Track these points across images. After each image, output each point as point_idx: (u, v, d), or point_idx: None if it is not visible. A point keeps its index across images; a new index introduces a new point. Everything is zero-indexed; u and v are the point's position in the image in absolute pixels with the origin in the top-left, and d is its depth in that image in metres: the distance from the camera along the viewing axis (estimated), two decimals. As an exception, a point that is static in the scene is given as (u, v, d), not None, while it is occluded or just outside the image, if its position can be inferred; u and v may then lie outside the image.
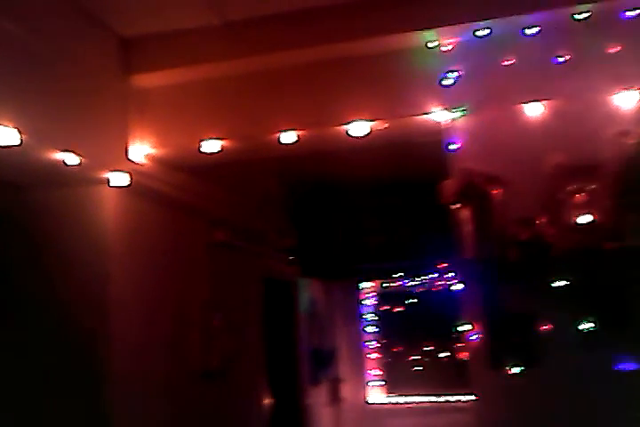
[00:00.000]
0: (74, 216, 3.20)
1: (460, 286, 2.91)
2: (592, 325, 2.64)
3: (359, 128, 3.15)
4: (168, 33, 3.32)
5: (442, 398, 5.79)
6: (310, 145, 3.39)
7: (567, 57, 2.93)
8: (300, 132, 3.21)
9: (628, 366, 2.59)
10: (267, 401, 4.68)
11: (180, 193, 3.69)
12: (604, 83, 2.93)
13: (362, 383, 6.25)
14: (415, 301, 6.03)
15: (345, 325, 6.36)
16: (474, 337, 2.89)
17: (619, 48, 2.86)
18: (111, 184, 3.12)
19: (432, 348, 5.88)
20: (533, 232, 2.65)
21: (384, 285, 6.31)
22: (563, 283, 2.65)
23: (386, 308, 6.34)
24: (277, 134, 3.21)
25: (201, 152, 3.30)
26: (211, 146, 3.28)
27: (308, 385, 5.44)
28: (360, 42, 3.14)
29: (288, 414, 5.14)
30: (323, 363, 5.83)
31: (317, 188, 4.34)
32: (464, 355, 2.95)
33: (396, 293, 6.24)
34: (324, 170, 3.71)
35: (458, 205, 2.74)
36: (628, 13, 2.89)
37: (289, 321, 5.33)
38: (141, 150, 3.39)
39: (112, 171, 3.11)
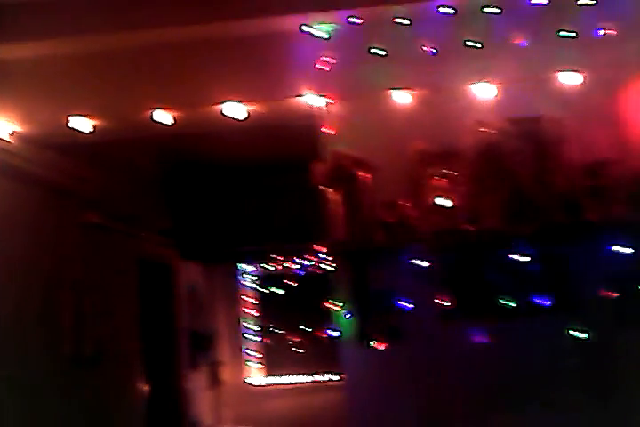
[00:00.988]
0: None
1: (331, 267, 3.05)
2: (450, 302, 2.87)
3: (233, 109, 3.19)
4: (33, 2, 3.19)
5: (318, 378, 6.01)
6: (186, 126, 3.38)
7: (433, 49, 3.12)
8: (174, 113, 3.22)
9: (482, 339, 2.84)
10: (143, 387, 4.66)
11: (49, 173, 3.59)
12: (465, 75, 3.16)
13: (242, 365, 6.35)
14: (294, 283, 6.18)
15: (225, 307, 6.42)
16: (343, 316, 3.06)
17: (478, 44, 3.08)
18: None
19: (310, 329, 6.07)
20: (398, 215, 2.83)
21: (264, 267, 6.42)
22: (424, 263, 2.85)
23: (266, 290, 6.46)
24: (150, 113, 3.19)
25: (70, 129, 3.22)
26: (80, 124, 3.20)
27: (186, 369, 5.46)
28: (236, 23, 3.17)
29: (166, 399, 5.14)
30: (202, 346, 5.87)
31: (195, 169, 4.34)
32: (335, 334, 3.09)
33: (275, 275, 6.37)
34: (202, 151, 3.72)
35: (328, 188, 2.86)
36: (489, 10, 3.13)
37: (166, 304, 5.31)
38: (6, 128, 3.26)
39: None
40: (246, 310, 6.46)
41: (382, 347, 2.95)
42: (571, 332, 2.89)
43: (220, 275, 6.38)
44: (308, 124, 3.19)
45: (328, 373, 5.81)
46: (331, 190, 2.89)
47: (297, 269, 6.05)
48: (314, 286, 5.53)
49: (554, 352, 2.94)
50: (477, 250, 2.90)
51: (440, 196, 2.91)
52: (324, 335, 5.63)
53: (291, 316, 6.31)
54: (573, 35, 3.09)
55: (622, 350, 2.92)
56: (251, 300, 6.50)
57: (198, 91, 3.24)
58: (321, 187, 2.88)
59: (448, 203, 2.89)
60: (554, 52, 3.13)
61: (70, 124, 3.18)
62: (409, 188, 2.99)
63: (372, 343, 2.92)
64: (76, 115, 3.19)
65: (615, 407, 2.92)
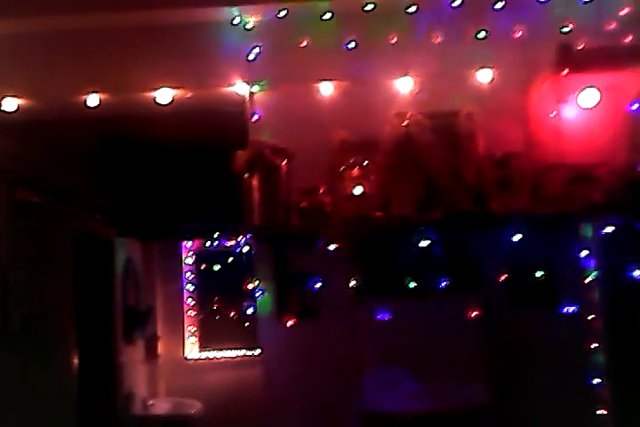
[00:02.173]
0: None
1: (251, 249, 3.28)
2: (358, 282, 3.14)
3: (165, 95, 3.36)
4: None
5: (250, 353, 6.28)
6: (119, 108, 3.53)
7: (355, 43, 3.33)
8: (106, 95, 3.37)
9: (385, 316, 3.12)
10: (76, 361, 4.81)
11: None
12: (385, 68, 3.39)
13: (179, 340, 6.55)
14: (232, 260, 6.38)
15: (164, 283, 6.58)
16: (261, 294, 3.31)
17: (396, 38, 3.31)
18: None
19: (245, 305, 6.30)
20: (314, 201, 3.05)
21: (204, 244, 6.60)
22: (337, 246, 3.10)
23: (205, 267, 6.65)
24: (82, 96, 3.33)
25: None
26: (11, 104, 3.32)
27: (121, 343, 5.63)
28: (169, 11, 3.32)
29: (100, 373, 5.31)
30: (139, 321, 6.03)
31: (131, 149, 4.48)
32: (251, 311, 3.34)
33: (216, 253, 6.56)
34: (136, 133, 3.86)
35: (248, 174, 3.07)
36: (410, 9, 3.35)
37: (103, 280, 5.45)
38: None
39: None
40: (184, 286, 6.65)
41: (296, 324, 3.19)
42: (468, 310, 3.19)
43: (158, 251, 6.53)
44: (236, 112, 3.38)
45: (249, 347, 6.11)
46: (249, 176, 3.08)
47: (233, 247, 6.24)
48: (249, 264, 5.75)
49: (454, 329, 3.24)
50: (387, 235, 3.15)
51: (355, 184, 3.14)
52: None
53: (226, 292, 6.53)
54: (485, 35, 3.34)
55: (512, 327, 3.25)
56: (189, 276, 6.68)
57: (131, 76, 3.38)
58: (240, 173, 3.07)
59: (361, 190, 3.12)
60: (469, 51, 3.39)
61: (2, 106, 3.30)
62: (326, 175, 3.22)
63: (287, 321, 3.16)
64: (8, 96, 3.31)
65: (506, 377, 3.25)
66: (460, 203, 3.19)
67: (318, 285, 3.20)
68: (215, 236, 6.00)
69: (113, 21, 3.36)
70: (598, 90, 3.24)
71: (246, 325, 6.17)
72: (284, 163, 3.06)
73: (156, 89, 3.37)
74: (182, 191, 4.59)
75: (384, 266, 3.19)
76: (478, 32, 3.35)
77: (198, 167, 3.59)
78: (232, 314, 6.39)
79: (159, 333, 6.37)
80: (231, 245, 6.17)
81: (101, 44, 3.41)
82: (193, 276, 6.56)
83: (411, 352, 3.20)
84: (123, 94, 3.40)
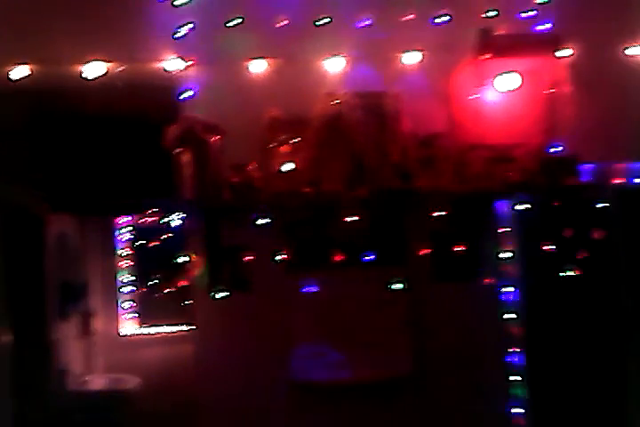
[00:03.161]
0: None
1: (181, 223, 3.39)
2: (288, 255, 3.30)
3: (96, 68, 3.41)
4: None
5: (187, 328, 6.39)
6: (48, 81, 3.53)
7: (288, 23, 3.44)
8: (35, 68, 3.39)
9: (313, 288, 3.30)
10: (9, 338, 4.81)
11: None
12: (317, 48, 3.52)
13: (115, 316, 6.59)
14: (168, 235, 6.42)
15: (99, 259, 6.58)
16: (195, 268, 3.43)
17: (329, 19, 3.44)
18: None
19: (182, 281, 6.39)
20: (245, 177, 3.18)
21: (140, 220, 6.62)
22: (267, 220, 3.24)
23: (141, 242, 6.68)
24: (7, 68, 3.34)
25: None
26: None
27: (55, 319, 5.64)
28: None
29: (32, 349, 5.32)
30: (73, 297, 6.04)
31: (65, 122, 4.45)
32: (184, 283, 3.47)
33: (151, 228, 6.58)
34: (71, 104, 3.85)
35: (179, 150, 3.16)
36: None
37: (35, 256, 5.44)
38: None
39: None
40: (121, 262, 6.67)
41: (228, 297, 3.34)
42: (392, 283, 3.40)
43: (94, 227, 6.51)
44: (168, 87, 3.45)
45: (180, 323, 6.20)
46: (181, 151, 3.18)
47: (169, 222, 6.30)
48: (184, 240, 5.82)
49: (379, 301, 3.44)
50: (316, 210, 3.31)
51: (285, 160, 3.28)
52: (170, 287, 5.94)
53: (162, 268, 6.58)
54: (411, 18, 3.50)
55: (435, 299, 3.48)
56: (125, 251, 6.70)
57: (62, 49, 3.40)
58: (171, 148, 3.16)
59: (291, 167, 3.27)
60: (397, 34, 3.54)
61: None
62: (257, 152, 3.34)
63: (216, 294, 3.30)
64: None
65: (429, 347, 3.50)
66: (386, 180, 3.37)
67: (250, 258, 3.33)
68: (150, 211, 6.04)
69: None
70: (516, 74, 3.46)
71: (185, 301, 6.28)
72: (214, 139, 3.16)
73: (86, 62, 3.40)
74: (115, 166, 4.60)
75: (313, 240, 3.36)
76: (406, 15, 3.50)
77: (130, 142, 3.63)
78: (167, 290, 6.47)
79: (95, 309, 6.40)
80: (167, 221, 6.21)
81: (32, 15, 3.41)
82: (128, 251, 6.60)
83: (338, 323, 3.39)
84: (53, 67, 3.41)
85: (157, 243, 6.48)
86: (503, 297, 3.59)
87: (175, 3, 3.38)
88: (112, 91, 3.44)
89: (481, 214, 3.58)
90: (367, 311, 3.43)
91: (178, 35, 3.39)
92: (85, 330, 6.36)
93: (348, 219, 3.29)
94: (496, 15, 3.51)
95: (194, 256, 3.41)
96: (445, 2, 3.51)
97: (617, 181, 3.72)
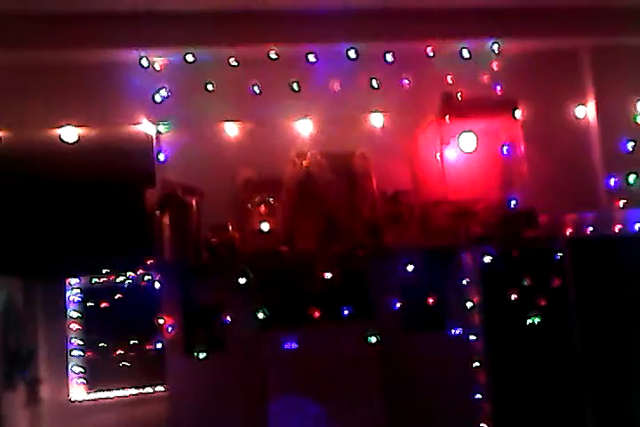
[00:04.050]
0: None
1: (159, 284, 3.45)
2: (264, 314, 3.39)
3: (70, 133, 3.50)
4: None
5: (145, 390, 6.25)
6: (20, 143, 3.60)
7: (260, 88, 3.64)
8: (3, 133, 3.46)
9: (291, 345, 3.39)
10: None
11: None
12: (288, 112, 3.73)
13: (64, 381, 6.40)
14: (121, 296, 6.36)
15: (48, 323, 6.43)
16: (170, 329, 3.47)
17: (298, 86, 3.66)
18: None
19: (137, 342, 6.30)
20: (223, 237, 3.29)
21: (91, 280, 6.53)
22: (245, 280, 3.34)
23: (92, 304, 6.57)
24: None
25: None
26: None
27: (1, 390, 5.45)
28: (78, 51, 3.48)
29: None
30: (19, 364, 5.87)
31: (19, 182, 4.45)
32: (162, 346, 3.49)
33: (102, 288, 6.50)
34: (31, 165, 3.88)
35: (159, 213, 3.25)
36: (311, 59, 3.73)
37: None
38: None
39: None
40: (71, 325, 6.53)
41: (203, 357, 3.38)
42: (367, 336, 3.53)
43: (44, 289, 6.39)
44: (143, 150, 3.57)
45: (154, 384, 6.07)
46: (161, 214, 3.27)
47: (123, 282, 6.25)
48: (141, 300, 5.79)
49: (355, 353, 3.55)
50: (291, 269, 3.43)
51: (261, 220, 3.41)
52: (150, 348, 5.90)
53: (118, 330, 6.48)
54: (378, 84, 3.77)
55: (407, 351, 3.62)
56: (75, 314, 6.58)
57: (35, 113, 3.48)
58: (154, 211, 3.25)
59: (267, 226, 3.40)
60: (364, 97, 3.80)
61: None
62: (234, 212, 3.47)
63: (197, 354, 3.35)
64: None
65: (402, 398, 3.60)
66: (357, 237, 3.54)
67: (225, 318, 3.41)
68: (104, 271, 5.99)
69: (23, 59, 3.46)
70: (474, 134, 3.74)
71: (144, 361, 6.18)
72: (194, 201, 3.28)
73: (60, 127, 3.49)
74: (77, 226, 4.62)
75: (290, 297, 3.47)
76: (371, 80, 3.77)
77: (100, 204, 3.68)
78: (120, 352, 6.36)
79: (43, 375, 6.20)
80: (121, 281, 6.17)
81: (6, 80, 3.49)
82: (78, 314, 6.48)
83: (314, 379, 3.47)
84: (24, 131, 3.48)
85: (110, 304, 6.43)
86: (468, 345, 3.77)
87: (155, 67, 3.54)
88: (85, 153, 3.53)
89: (446, 267, 3.79)
90: (342, 366, 3.52)
91: (154, 99, 3.53)
92: (34, 398, 6.15)
93: (324, 275, 3.41)
94: (454, 80, 3.81)
95: (167, 317, 3.45)
96: (408, 67, 3.79)
97: (568, 231, 4.04)
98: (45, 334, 6.40)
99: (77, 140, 3.51)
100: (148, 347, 6.04)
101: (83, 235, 5.08)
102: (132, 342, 6.11)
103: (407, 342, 3.66)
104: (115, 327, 6.35)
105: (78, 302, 6.58)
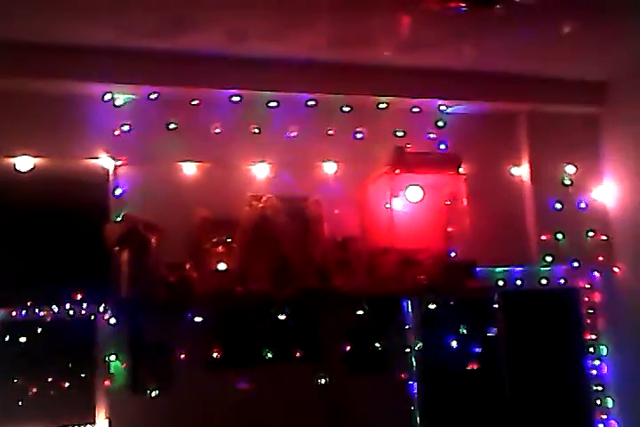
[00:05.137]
0: None
1: (112, 320, 3.43)
2: (217, 353, 3.43)
3: (25, 162, 3.49)
4: None
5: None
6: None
7: (219, 130, 3.76)
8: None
9: (244, 384, 3.44)
10: None
11: None
12: (245, 154, 3.85)
13: (-31, 421, 6.06)
14: (41, 330, 6.13)
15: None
16: (117, 365, 3.45)
17: (257, 130, 3.82)
18: None
19: (58, 379, 6.07)
20: (180, 275, 3.33)
21: (11, 314, 6.27)
22: (200, 319, 3.38)
23: (9, 338, 6.30)
24: None
25: None
26: None
27: None
28: (43, 82, 3.51)
29: None
30: None
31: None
32: (105, 382, 3.45)
33: (23, 322, 6.25)
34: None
35: (118, 248, 3.27)
36: (271, 104, 3.89)
37: None
38: None
39: None
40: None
41: (154, 393, 3.38)
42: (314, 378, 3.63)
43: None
44: (99, 184, 3.58)
45: (81, 423, 5.83)
46: (120, 249, 3.29)
47: (51, 315, 6.03)
48: (66, 335, 5.61)
49: (303, 394, 3.64)
50: (246, 308, 3.50)
51: (218, 260, 3.48)
52: (66, 385, 5.71)
53: (36, 366, 6.22)
54: (333, 133, 3.97)
55: (351, 392, 3.75)
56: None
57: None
58: (112, 247, 3.26)
59: (223, 266, 3.47)
60: (319, 145, 3.98)
61: None
62: (191, 251, 3.52)
63: (149, 392, 3.34)
64: None
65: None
66: (308, 280, 3.66)
67: (178, 355, 3.43)
68: (28, 304, 5.77)
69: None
70: (421, 187, 3.98)
71: (67, 398, 5.92)
72: (154, 238, 3.32)
73: (15, 156, 3.47)
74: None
75: (242, 337, 3.54)
76: (327, 130, 3.96)
77: (52, 234, 3.62)
78: (37, 390, 6.08)
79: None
80: (43, 315, 5.94)
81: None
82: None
83: (264, 419, 3.53)
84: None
85: (28, 339, 6.14)
86: (407, 388, 3.97)
87: (116, 103, 3.60)
88: (39, 184, 3.50)
89: (391, 312, 3.97)
90: (289, 406, 3.61)
91: (113, 133, 3.58)
92: None
93: (277, 317, 3.49)
94: (404, 135, 4.07)
95: (113, 353, 3.44)
96: (361, 121, 4.01)
97: (500, 283, 4.33)
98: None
99: (32, 169, 3.48)
100: (66, 384, 5.83)
101: (31, 266, 4.90)
102: (52, 378, 5.86)
103: (351, 384, 3.77)
104: (35, 363, 6.08)
105: (-7, 335, 6.31)
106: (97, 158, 3.61)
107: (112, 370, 3.45)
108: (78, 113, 3.59)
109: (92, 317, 3.68)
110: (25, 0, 3.02)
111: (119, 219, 3.37)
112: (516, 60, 4.01)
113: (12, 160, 3.47)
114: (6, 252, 4.22)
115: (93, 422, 4.34)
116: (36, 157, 3.51)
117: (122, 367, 3.44)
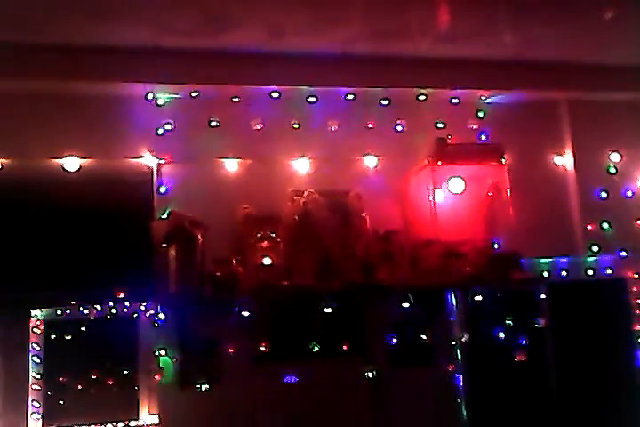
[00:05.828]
0: None
1: (161, 316, 3.50)
2: (264, 347, 3.48)
3: (72, 163, 3.57)
4: None
5: (115, 425, 6.12)
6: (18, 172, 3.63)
7: (260, 126, 3.79)
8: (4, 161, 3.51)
9: (291, 378, 3.48)
10: None
11: None
12: (286, 150, 3.89)
13: (23, 416, 6.22)
14: (85, 329, 6.26)
15: (9, 356, 6.28)
16: (166, 361, 3.51)
17: (297, 125, 3.84)
18: None
19: (104, 376, 6.20)
20: (227, 270, 3.38)
21: (57, 313, 6.42)
22: (247, 313, 3.43)
23: (55, 337, 6.45)
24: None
25: None
26: None
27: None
28: (87, 83, 3.60)
29: None
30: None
31: (16, 210, 4.40)
32: (156, 378, 3.52)
33: (68, 321, 6.40)
34: (31, 193, 3.88)
35: (165, 245, 3.33)
36: (310, 99, 3.92)
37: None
38: None
39: None
40: (34, 358, 6.38)
41: (203, 388, 3.44)
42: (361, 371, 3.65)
43: (7, 321, 6.26)
44: (143, 183, 3.65)
45: (130, 419, 5.95)
46: (167, 246, 3.34)
47: (94, 314, 6.16)
48: (111, 333, 5.73)
49: (349, 388, 3.66)
50: (292, 302, 3.54)
51: (263, 254, 3.52)
52: (110, 382, 5.83)
53: (83, 363, 6.36)
54: (373, 126, 3.98)
55: (397, 385, 3.76)
56: (37, 347, 6.43)
57: (37, 143, 3.54)
58: (159, 244, 3.32)
59: (268, 261, 3.51)
60: (359, 139, 3.99)
61: None
62: (234, 246, 3.57)
63: (199, 386, 3.40)
64: None
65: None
66: (351, 274, 3.68)
67: (224, 350, 3.48)
68: (73, 303, 5.90)
69: (32, 89, 3.54)
70: (463, 179, 3.97)
71: (114, 395, 6.05)
72: (200, 234, 3.37)
73: (63, 157, 3.56)
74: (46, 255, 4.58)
75: (289, 331, 3.58)
76: (367, 123, 3.97)
77: (99, 234, 3.71)
78: (89, 386, 6.22)
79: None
80: (88, 314, 6.07)
81: (13, 109, 3.54)
82: (40, 347, 6.33)
83: (310, 413, 3.56)
84: (23, 160, 3.53)
85: (73, 337, 6.29)
86: (453, 381, 3.96)
87: (158, 102, 3.66)
88: (85, 184, 3.59)
89: (435, 305, 3.96)
90: (336, 400, 3.63)
91: (157, 133, 3.64)
92: (-11, 434, 5.94)
93: (323, 310, 3.51)
94: (444, 126, 4.05)
95: (164, 348, 3.51)
96: (401, 113, 4.01)
97: (545, 274, 4.29)
98: (6, 367, 6.25)
99: (79, 170, 3.56)
100: (113, 381, 5.96)
101: (75, 265, 5.03)
102: (98, 376, 6.00)
103: (396, 376, 3.78)
104: (82, 361, 6.22)
105: (43, 334, 6.45)
106: (141, 157, 3.68)
107: (161, 365, 3.49)
108: (121, 113, 3.66)
109: (135, 315, 3.80)
110: (67, 3, 3.08)
111: (165, 216, 3.42)
112: (557, 48, 3.97)
113: (59, 161, 3.56)
114: (53, 251, 4.35)
115: (137, 419, 4.46)
116: (83, 157, 3.58)
117: (171, 363, 3.49)
